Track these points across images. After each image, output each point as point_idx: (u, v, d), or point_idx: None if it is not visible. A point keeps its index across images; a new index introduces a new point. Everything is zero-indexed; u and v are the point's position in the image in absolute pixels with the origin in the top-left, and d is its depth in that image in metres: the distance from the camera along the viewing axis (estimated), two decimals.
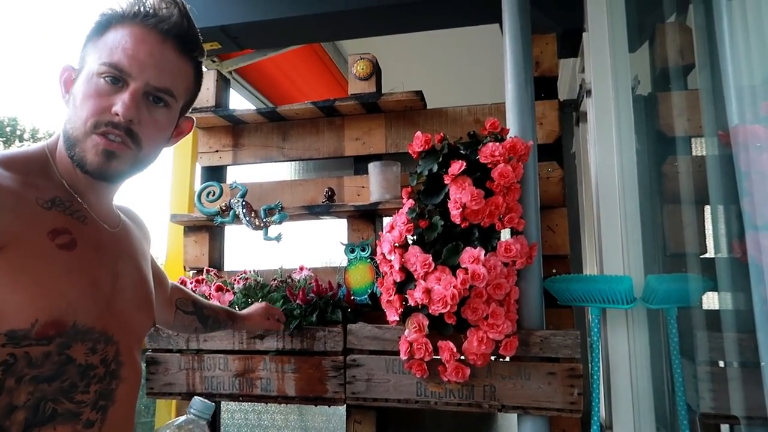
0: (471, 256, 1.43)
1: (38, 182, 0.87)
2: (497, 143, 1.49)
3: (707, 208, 1.59)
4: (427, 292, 1.43)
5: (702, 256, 1.59)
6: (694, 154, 1.66)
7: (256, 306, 1.60)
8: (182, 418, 1.00)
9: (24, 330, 0.79)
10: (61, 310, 0.82)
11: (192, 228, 2.13)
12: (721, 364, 1.48)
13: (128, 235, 1.03)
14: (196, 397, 1.01)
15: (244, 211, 1.94)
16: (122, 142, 0.89)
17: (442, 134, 1.59)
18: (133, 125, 0.90)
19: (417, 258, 1.48)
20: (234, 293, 1.78)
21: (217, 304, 1.57)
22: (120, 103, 0.88)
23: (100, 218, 0.95)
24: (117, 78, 0.89)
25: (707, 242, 1.59)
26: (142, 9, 0.92)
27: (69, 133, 0.90)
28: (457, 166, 1.47)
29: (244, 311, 1.57)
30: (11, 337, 0.78)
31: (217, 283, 1.80)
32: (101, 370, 0.89)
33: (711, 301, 1.56)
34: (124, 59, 0.89)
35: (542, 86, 1.82)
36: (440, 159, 1.54)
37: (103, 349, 0.89)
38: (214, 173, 2.20)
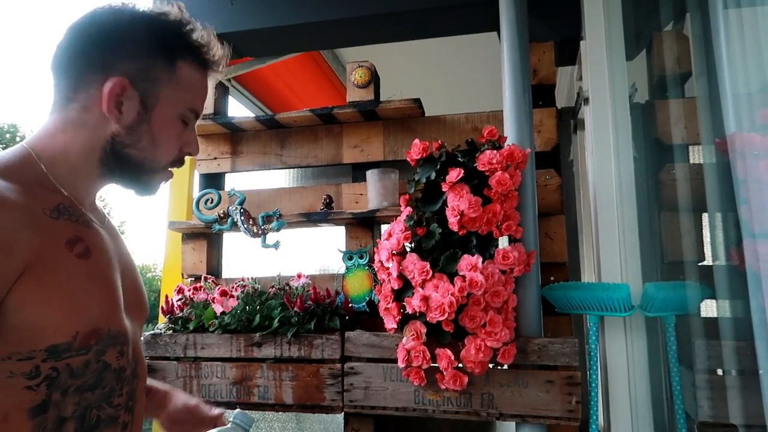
0: (469, 263, 1.43)
1: (37, 191, 0.86)
2: (495, 151, 1.49)
3: (705, 216, 1.59)
4: (425, 299, 1.43)
5: (700, 264, 1.58)
6: (691, 161, 1.66)
7: (193, 404, 1.17)
8: (223, 427, 1.00)
9: (65, 343, 0.80)
10: (96, 319, 0.84)
11: (190, 235, 2.13)
12: (720, 372, 1.48)
13: (114, 230, 1.03)
14: (238, 408, 1.01)
15: (243, 218, 1.94)
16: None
17: (440, 142, 1.59)
18: None
19: (415, 265, 1.48)
20: (237, 299, 1.78)
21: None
22: (195, 145, 0.99)
23: (95, 218, 0.95)
24: (190, 121, 0.97)
25: (705, 250, 1.59)
26: (213, 57, 0.98)
27: (137, 159, 0.93)
28: (454, 174, 1.48)
29: (176, 398, 1.19)
30: (52, 352, 0.79)
31: (222, 288, 1.80)
32: (128, 371, 0.91)
33: (709, 309, 1.56)
34: (200, 108, 0.99)
35: (540, 94, 1.83)
36: (438, 166, 1.54)
37: (126, 350, 0.91)
38: (213, 181, 2.20)
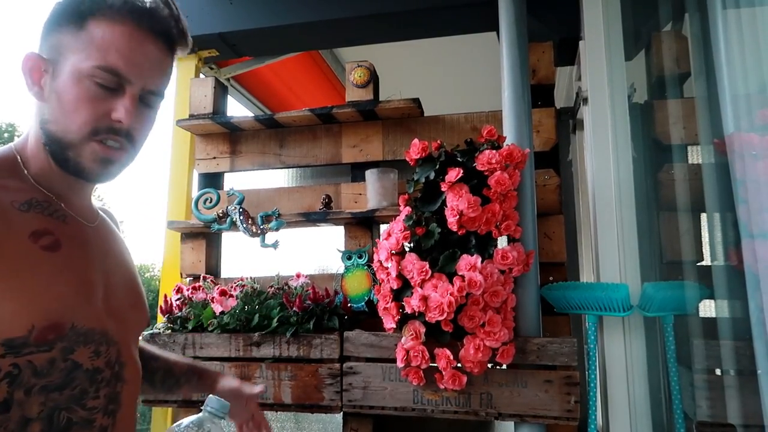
0: (468, 263, 1.43)
1: (10, 185, 0.85)
2: (494, 151, 1.49)
3: (703, 216, 1.60)
4: (424, 299, 1.43)
5: (698, 264, 1.59)
6: (690, 161, 1.67)
7: (236, 386, 1.22)
8: (196, 416, 0.94)
9: (22, 337, 0.77)
10: (56, 312, 0.80)
11: (189, 235, 2.12)
12: (718, 372, 1.48)
13: (110, 231, 1.00)
14: (211, 395, 0.96)
15: (242, 218, 1.94)
16: (120, 147, 0.88)
17: (439, 142, 1.59)
18: (132, 130, 0.89)
19: (414, 265, 1.48)
20: (237, 299, 1.78)
21: (178, 357, 1.28)
22: (123, 111, 0.86)
23: (80, 216, 0.93)
24: (112, 83, 0.85)
25: (703, 250, 1.59)
26: (133, 3, 0.87)
27: (56, 135, 0.86)
28: (454, 174, 1.48)
29: (223, 381, 1.23)
30: (10, 347, 0.76)
31: (221, 288, 1.80)
32: (107, 373, 0.87)
33: (707, 308, 1.56)
34: (121, 63, 0.85)
35: (539, 94, 1.83)
36: (437, 166, 1.54)
37: (106, 351, 0.87)
38: (212, 180, 2.20)
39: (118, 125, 0.87)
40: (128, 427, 0.93)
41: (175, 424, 0.92)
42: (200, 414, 0.94)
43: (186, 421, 0.92)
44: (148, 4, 0.89)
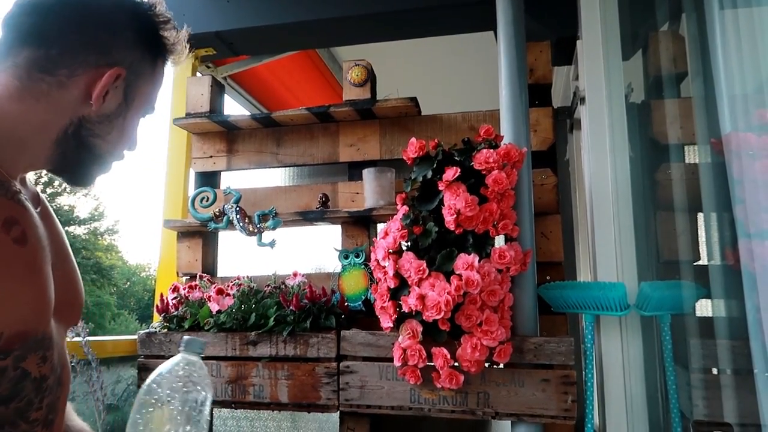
0: (465, 262, 1.43)
1: None
2: (491, 150, 1.49)
3: (700, 216, 1.60)
4: (421, 298, 1.43)
5: (695, 264, 1.59)
6: (687, 161, 1.67)
7: None
8: (174, 360, 0.87)
9: None
10: (26, 319, 0.73)
11: (185, 233, 2.12)
12: (715, 371, 1.48)
13: (51, 217, 0.91)
14: (186, 336, 0.91)
15: (238, 216, 1.93)
16: None
17: (436, 141, 1.59)
18: None
19: (411, 264, 1.47)
20: (233, 298, 1.77)
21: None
22: (137, 145, 0.93)
23: (30, 200, 0.83)
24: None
25: (700, 249, 1.59)
26: (178, 59, 0.93)
27: (100, 152, 0.87)
28: (451, 173, 1.48)
29: None
30: None
31: (218, 286, 1.79)
32: (52, 379, 0.79)
33: (704, 308, 1.56)
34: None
35: (536, 93, 1.83)
36: (434, 165, 1.54)
37: (51, 355, 0.79)
38: (208, 179, 2.19)
39: (130, 151, 0.93)
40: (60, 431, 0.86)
41: (152, 379, 0.84)
42: (176, 357, 0.88)
43: (164, 369, 0.85)
44: (184, 57, 0.95)
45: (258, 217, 1.94)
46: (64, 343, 0.88)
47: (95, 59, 0.82)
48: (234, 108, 3.04)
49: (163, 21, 0.89)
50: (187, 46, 0.94)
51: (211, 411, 1.98)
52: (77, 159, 0.86)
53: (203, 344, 0.90)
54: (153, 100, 0.93)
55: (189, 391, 0.83)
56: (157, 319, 1.89)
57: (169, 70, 0.95)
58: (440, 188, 1.50)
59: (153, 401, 0.82)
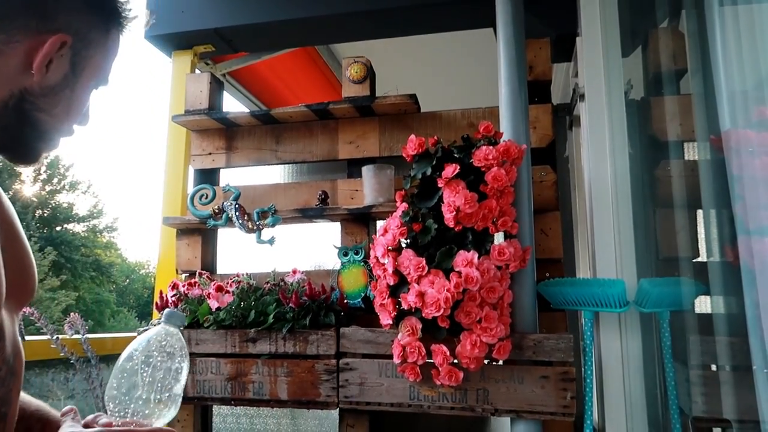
0: (464, 259, 1.43)
1: None
2: (491, 147, 1.49)
3: (700, 213, 1.60)
4: (421, 295, 1.43)
5: (694, 260, 1.59)
6: (686, 158, 1.67)
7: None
8: (154, 330, 0.89)
9: None
10: None
11: (184, 231, 2.12)
12: (714, 367, 1.49)
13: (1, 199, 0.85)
14: (167, 309, 0.94)
15: (237, 214, 1.93)
16: None
17: (435, 138, 1.59)
18: None
19: (410, 261, 1.47)
20: (233, 295, 1.77)
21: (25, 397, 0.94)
22: (90, 120, 0.85)
23: None
24: None
25: (700, 246, 1.59)
26: (129, 26, 0.85)
27: (45, 127, 0.79)
28: (450, 170, 1.48)
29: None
30: None
31: (217, 284, 1.79)
32: (4, 371, 0.75)
33: (703, 305, 1.56)
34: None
35: (536, 90, 1.83)
36: (434, 162, 1.54)
37: (3, 346, 0.75)
38: (207, 176, 2.19)
39: (81, 125, 0.86)
40: (12, 425, 0.81)
41: (132, 347, 0.86)
42: (157, 328, 0.90)
43: (144, 339, 0.87)
44: (134, 24, 0.86)
45: (257, 214, 1.94)
46: (16, 328, 0.83)
47: (36, 24, 0.73)
48: (233, 105, 3.04)
49: None
50: (142, 13, 0.86)
51: (211, 407, 1.99)
52: (19, 135, 0.77)
53: (183, 318, 0.93)
54: (106, 71, 0.84)
55: (164, 360, 0.85)
56: (156, 316, 1.89)
57: (127, 43, 0.86)
58: (440, 185, 1.50)
59: (128, 367, 0.83)
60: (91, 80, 0.82)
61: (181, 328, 0.90)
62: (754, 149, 1.24)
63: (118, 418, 0.81)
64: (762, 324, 1.13)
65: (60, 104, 0.79)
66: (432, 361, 1.48)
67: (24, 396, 0.92)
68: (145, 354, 0.85)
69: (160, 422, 0.83)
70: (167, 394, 0.84)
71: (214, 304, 1.76)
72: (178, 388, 0.86)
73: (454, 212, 1.45)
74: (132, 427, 0.76)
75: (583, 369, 1.62)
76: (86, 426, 0.81)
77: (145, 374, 0.83)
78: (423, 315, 1.43)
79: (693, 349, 1.48)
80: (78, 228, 24.34)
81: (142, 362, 0.84)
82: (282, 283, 1.82)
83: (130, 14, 0.83)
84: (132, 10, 0.83)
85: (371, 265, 1.62)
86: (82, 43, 0.78)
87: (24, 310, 1.01)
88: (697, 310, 1.57)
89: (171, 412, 0.86)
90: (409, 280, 1.48)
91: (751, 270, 1.18)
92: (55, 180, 23.80)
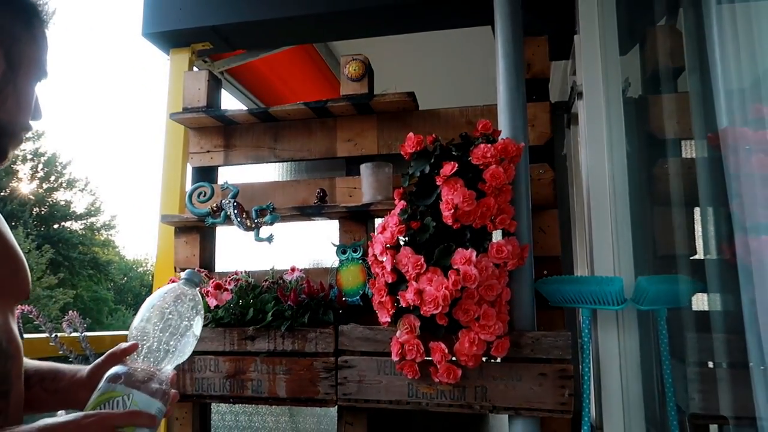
0: (463, 257, 1.43)
1: None
2: (489, 145, 1.49)
3: (697, 210, 1.60)
4: (419, 293, 1.43)
5: (692, 258, 1.60)
6: (683, 156, 1.67)
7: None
8: (173, 285, 1.02)
9: None
10: None
11: (183, 229, 2.12)
12: (710, 364, 1.49)
13: None
14: (188, 269, 1.07)
15: (236, 211, 1.93)
16: None
17: (434, 135, 1.59)
18: None
19: (409, 259, 1.48)
20: (231, 293, 1.77)
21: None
22: (40, 110, 0.94)
23: None
24: None
25: (697, 244, 1.60)
26: (49, 15, 0.93)
27: (2, 123, 0.88)
28: (449, 168, 1.48)
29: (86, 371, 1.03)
30: None
31: (216, 281, 1.79)
32: None
33: (700, 302, 1.57)
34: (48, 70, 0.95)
35: (534, 88, 1.83)
36: (432, 160, 1.54)
37: None
38: (206, 174, 2.19)
39: (34, 120, 0.95)
40: (18, 404, 0.90)
41: (152, 301, 0.99)
42: (177, 283, 1.03)
43: (160, 293, 1.00)
44: (52, 11, 0.94)
45: (255, 212, 1.94)
46: (9, 317, 0.91)
47: None
48: (231, 103, 3.03)
49: None
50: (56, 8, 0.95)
51: (209, 405, 1.99)
52: None
53: (200, 277, 1.06)
54: (42, 64, 0.93)
55: (176, 314, 0.98)
56: None
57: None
58: (438, 183, 1.50)
59: (151, 311, 0.98)
60: (30, 74, 0.91)
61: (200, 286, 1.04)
62: (751, 147, 1.24)
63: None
64: (758, 321, 1.14)
65: (8, 99, 0.87)
66: (430, 358, 1.48)
67: (30, 361, 1.04)
68: (161, 306, 0.98)
69: (169, 366, 0.96)
70: (174, 343, 0.97)
71: (212, 302, 1.76)
72: (184, 344, 0.98)
73: (453, 210, 1.45)
74: (112, 411, 0.85)
75: (580, 366, 1.62)
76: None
77: (158, 323, 0.96)
78: (421, 312, 1.44)
79: (690, 347, 1.49)
80: (75, 226, 24.32)
81: (159, 312, 0.97)
82: (280, 281, 1.82)
83: (48, 8, 0.92)
84: (48, 3, 0.92)
85: (369, 263, 1.62)
86: (11, 40, 0.87)
87: (21, 308, 1.10)
88: (695, 307, 1.57)
89: (178, 359, 0.98)
90: (407, 277, 1.48)
91: (748, 267, 1.19)
92: (53, 178, 23.76)
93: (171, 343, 0.96)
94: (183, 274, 1.04)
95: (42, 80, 0.94)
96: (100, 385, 0.89)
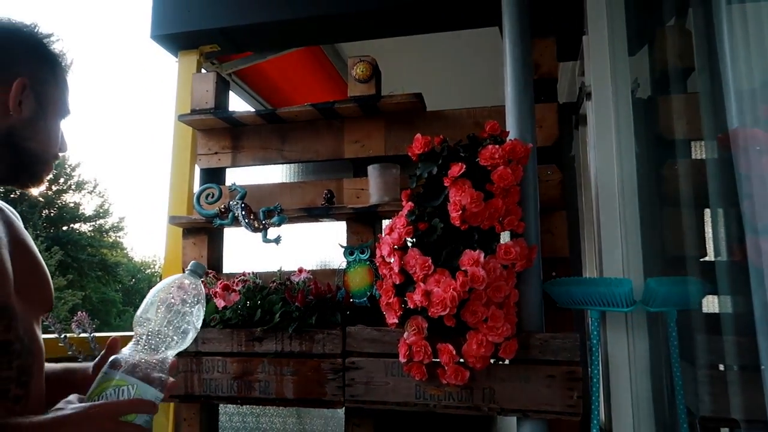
0: (471, 258, 1.43)
1: None
2: (497, 146, 1.49)
3: (707, 212, 1.59)
4: (427, 294, 1.43)
5: (702, 260, 1.58)
6: (693, 157, 1.66)
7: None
8: (175, 276, 1.10)
9: None
10: None
11: (191, 230, 2.12)
12: (721, 367, 1.48)
13: (9, 219, 1.08)
14: (193, 261, 1.15)
15: (243, 213, 1.94)
16: None
17: (441, 137, 1.58)
18: None
19: (416, 260, 1.47)
20: (239, 294, 1.78)
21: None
22: (67, 145, 1.12)
23: None
24: None
25: (707, 245, 1.59)
26: (69, 64, 1.11)
27: (36, 152, 1.05)
28: (456, 169, 1.47)
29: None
30: None
31: (223, 282, 1.80)
32: (18, 346, 0.95)
33: (711, 304, 1.56)
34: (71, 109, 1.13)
35: (542, 89, 1.82)
36: (440, 161, 1.54)
37: (15, 325, 0.95)
38: (213, 175, 2.20)
39: (62, 152, 1.12)
40: (39, 397, 1.01)
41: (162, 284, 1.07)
42: (179, 275, 1.10)
43: (166, 282, 1.08)
44: (72, 60, 1.12)
45: (263, 213, 1.94)
46: (34, 323, 1.04)
47: (1, 77, 1.00)
48: (239, 105, 3.04)
49: (46, 35, 1.08)
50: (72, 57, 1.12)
51: (217, 406, 1.99)
52: (18, 163, 1.03)
53: (204, 268, 1.15)
54: (65, 104, 1.11)
55: (178, 302, 1.05)
56: None
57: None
58: (446, 184, 1.50)
59: (153, 301, 1.04)
60: (56, 112, 1.09)
61: (203, 277, 1.12)
62: (761, 148, 1.23)
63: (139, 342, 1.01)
64: None
65: (40, 132, 1.05)
66: (438, 360, 1.48)
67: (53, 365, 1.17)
68: (165, 293, 1.05)
69: (171, 352, 1.03)
70: (178, 330, 1.03)
71: (220, 303, 1.77)
72: (184, 330, 1.04)
73: (460, 211, 1.44)
74: (117, 400, 0.93)
75: (589, 368, 1.61)
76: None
77: (160, 309, 1.03)
78: (429, 314, 1.43)
79: (700, 349, 1.47)
80: (84, 228, 24.47)
81: (162, 299, 1.04)
82: (288, 282, 1.82)
83: (68, 59, 1.11)
84: (67, 54, 1.11)
85: (377, 264, 1.62)
86: (39, 84, 1.04)
87: (44, 316, 1.24)
88: (705, 309, 1.56)
89: (180, 346, 1.05)
90: (415, 279, 1.48)
91: (759, 269, 1.18)
92: (62, 180, 23.92)
93: (172, 329, 1.03)
94: (188, 266, 1.12)
95: (66, 117, 1.12)
96: (104, 369, 0.97)
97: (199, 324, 1.08)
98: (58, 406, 0.91)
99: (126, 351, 1.00)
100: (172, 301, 1.04)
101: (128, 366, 0.96)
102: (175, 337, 1.03)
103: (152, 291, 1.06)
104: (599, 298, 1.53)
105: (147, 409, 0.94)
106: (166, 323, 1.02)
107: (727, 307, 1.44)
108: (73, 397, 0.94)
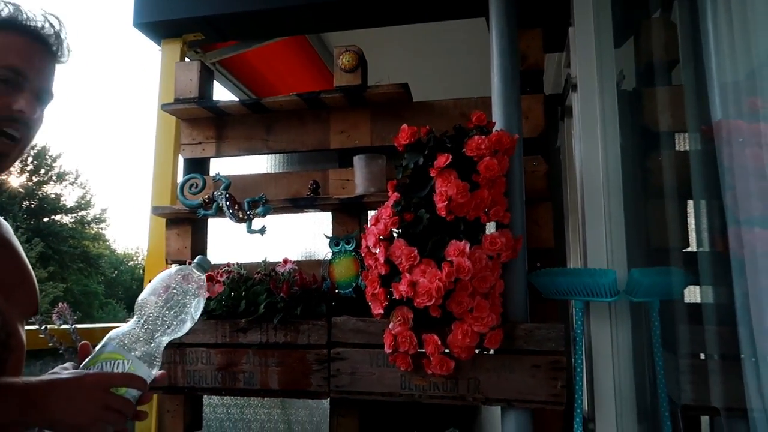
0: (456, 249, 1.43)
1: None
2: (483, 136, 1.48)
3: (690, 203, 1.61)
4: (412, 285, 1.43)
5: (685, 250, 1.60)
6: (677, 149, 1.67)
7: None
8: (184, 267, 1.12)
9: None
10: None
11: (174, 221, 2.10)
12: (702, 356, 1.50)
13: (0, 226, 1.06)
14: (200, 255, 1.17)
15: (228, 203, 1.92)
16: (18, 137, 0.98)
17: (428, 127, 1.58)
18: (30, 122, 1.00)
19: (402, 251, 1.47)
20: (223, 285, 1.76)
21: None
22: (23, 102, 0.97)
23: None
24: (12, 80, 0.97)
25: (690, 236, 1.60)
26: (24, 21, 1.00)
27: None
28: (442, 159, 1.47)
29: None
30: None
31: (207, 273, 1.77)
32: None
33: (693, 294, 1.57)
34: (20, 62, 0.98)
35: (528, 80, 1.82)
36: (426, 152, 1.53)
37: None
38: (197, 165, 2.17)
39: (18, 115, 0.97)
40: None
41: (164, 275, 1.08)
42: (185, 266, 1.12)
43: (167, 273, 1.09)
44: (37, 23, 1.02)
45: (248, 203, 1.93)
46: (17, 321, 1.02)
47: None
48: (223, 94, 3.01)
49: None
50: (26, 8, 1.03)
51: (201, 398, 1.98)
52: None
53: (210, 264, 1.17)
54: None
55: (178, 292, 1.06)
56: None
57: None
58: (432, 175, 1.50)
59: (156, 289, 1.06)
60: None
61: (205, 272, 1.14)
62: (744, 140, 1.24)
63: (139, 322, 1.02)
64: (750, 313, 1.14)
65: None
66: (423, 350, 1.48)
67: None
68: (168, 281, 1.07)
69: (166, 338, 1.04)
70: (173, 314, 1.05)
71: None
72: (182, 320, 1.06)
73: (446, 202, 1.44)
74: (107, 370, 0.96)
75: (573, 358, 1.62)
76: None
77: (162, 296, 1.05)
78: (414, 304, 1.43)
79: (682, 338, 1.49)
80: (66, 219, 24.14)
81: (164, 286, 1.06)
82: (273, 273, 1.81)
83: (16, 15, 1.00)
84: (13, 12, 1.00)
85: (363, 255, 1.61)
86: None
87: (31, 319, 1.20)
88: (687, 299, 1.58)
89: (175, 334, 1.06)
90: (400, 269, 1.47)
91: (741, 260, 1.19)
92: (42, 171, 23.56)
93: (171, 316, 1.04)
94: (195, 259, 1.14)
95: (10, 77, 1.00)
96: (104, 341, 0.99)
97: (197, 316, 1.10)
98: (54, 370, 0.94)
99: (125, 327, 1.02)
100: (176, 289, 1.07)
101: (125, 341, 0.99)
102: (173, 324, 1.05)
103: (158, 276, 1.09)
104: (583, 288, 1.54)
105: (138, 384, 0.96)
106: (166, 309, 1.05)
107: (708, 298, 1.46)
108: (68, 364, 0.96)
